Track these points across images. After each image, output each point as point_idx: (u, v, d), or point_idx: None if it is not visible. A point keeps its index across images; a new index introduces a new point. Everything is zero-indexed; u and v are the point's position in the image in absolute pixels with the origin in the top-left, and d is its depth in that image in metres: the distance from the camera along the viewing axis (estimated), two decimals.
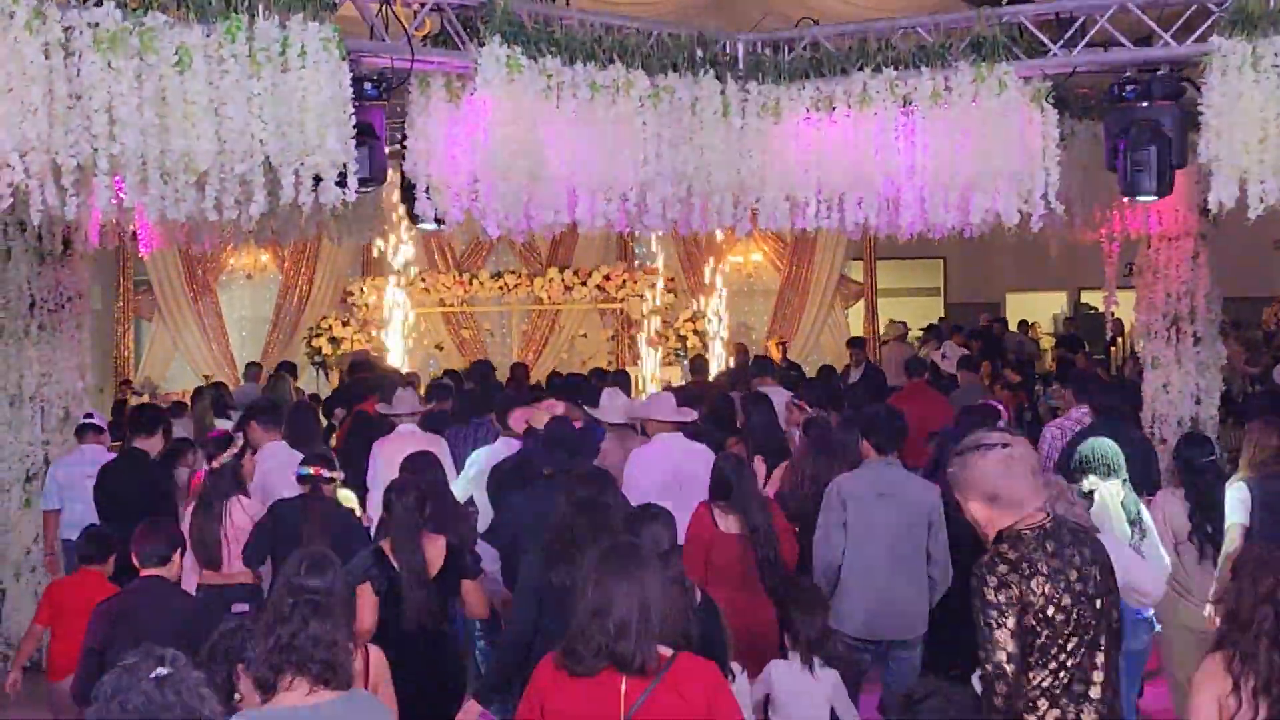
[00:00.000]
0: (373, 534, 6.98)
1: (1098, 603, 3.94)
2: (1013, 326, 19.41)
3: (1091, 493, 6.36)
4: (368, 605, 5.44)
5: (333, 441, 10.33)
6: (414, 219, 7.82)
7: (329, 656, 3.83)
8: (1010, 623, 3.87)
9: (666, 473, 7.40)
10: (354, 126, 6.20)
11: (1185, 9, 7.41)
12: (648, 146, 7.55)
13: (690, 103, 7.78)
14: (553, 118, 7.19)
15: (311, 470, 6.77)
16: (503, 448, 7.93)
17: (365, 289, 15.00)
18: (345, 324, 14.94)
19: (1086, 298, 20.44)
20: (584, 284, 15.33)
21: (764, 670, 5.79)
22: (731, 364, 14.65)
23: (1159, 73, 7.45)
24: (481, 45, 6.98)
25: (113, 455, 8.39)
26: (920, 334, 18.56)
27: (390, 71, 7.00)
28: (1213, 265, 9.77)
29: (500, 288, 15.39)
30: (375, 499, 7.65)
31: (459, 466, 8.18)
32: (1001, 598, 3.88)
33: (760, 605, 6.21)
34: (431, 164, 7.25)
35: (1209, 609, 6.38)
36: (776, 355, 14.48)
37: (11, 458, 8.85)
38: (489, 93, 6.92)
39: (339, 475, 7.07)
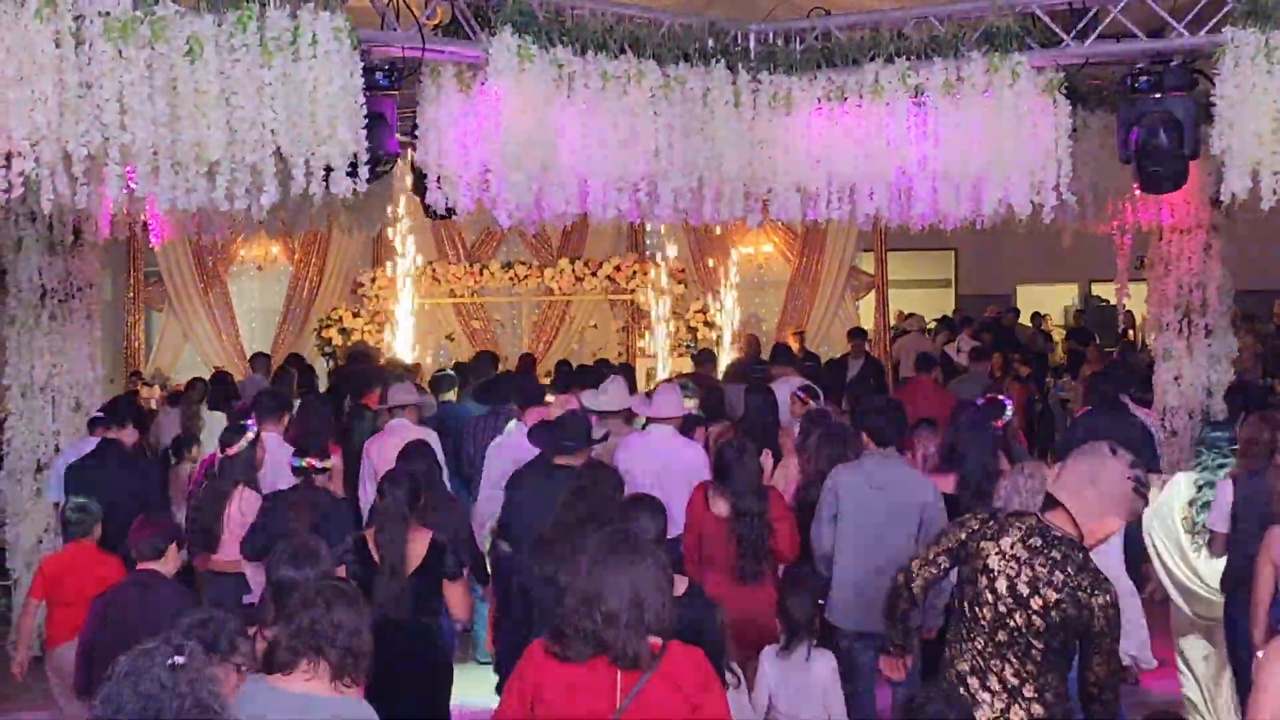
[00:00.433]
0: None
1: (1016, 616, 4.13)
2: (1024, 319, 19.34)
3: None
4: None
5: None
6: (427, 210, 7.82)
7: (350, 644, 3.86)
8: (949, 544, 4.36)
9: (657, 463, 7.39)
10: (365, 116, 6.20)
11: (1198, 0, 7.39)
12: (659, 137, 7.55)
13: (702, 93, 7.79)
14: (564, 108, 7.19)
15: (304, 462, 6.84)
16: (518, 435, 7.87)
17: (376, 278, 14.97)
18: (356, 315, 14.91)
19: (1098, 290, 20.36)
20: (594, 275, 15.30)
21: (759, 665, 5.77)
22: (740, 355, 14.61)
23: (1172, 64, 7.42)
24: (493, 35, 6.99)
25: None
26: (934, 325, 18.52)
27: (401, 61, 6.99)
28: (1225, 257, 9.74)
29: (511, 278, 15.34)
30: (368, 492, 7.80)
31: (481, 456, 8.18)
32: (963, 534, 4.33)
33: (747, 591, 6.27)
34: (443, 154, 7.25)
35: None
36: (795, 345, 14.42)
37: (23, 448, 8.87)
38: (500, 83, 6.92)
39: (330, 465, 7.09)
